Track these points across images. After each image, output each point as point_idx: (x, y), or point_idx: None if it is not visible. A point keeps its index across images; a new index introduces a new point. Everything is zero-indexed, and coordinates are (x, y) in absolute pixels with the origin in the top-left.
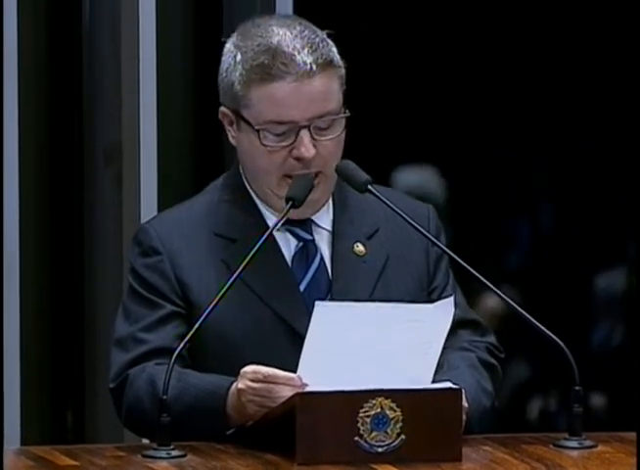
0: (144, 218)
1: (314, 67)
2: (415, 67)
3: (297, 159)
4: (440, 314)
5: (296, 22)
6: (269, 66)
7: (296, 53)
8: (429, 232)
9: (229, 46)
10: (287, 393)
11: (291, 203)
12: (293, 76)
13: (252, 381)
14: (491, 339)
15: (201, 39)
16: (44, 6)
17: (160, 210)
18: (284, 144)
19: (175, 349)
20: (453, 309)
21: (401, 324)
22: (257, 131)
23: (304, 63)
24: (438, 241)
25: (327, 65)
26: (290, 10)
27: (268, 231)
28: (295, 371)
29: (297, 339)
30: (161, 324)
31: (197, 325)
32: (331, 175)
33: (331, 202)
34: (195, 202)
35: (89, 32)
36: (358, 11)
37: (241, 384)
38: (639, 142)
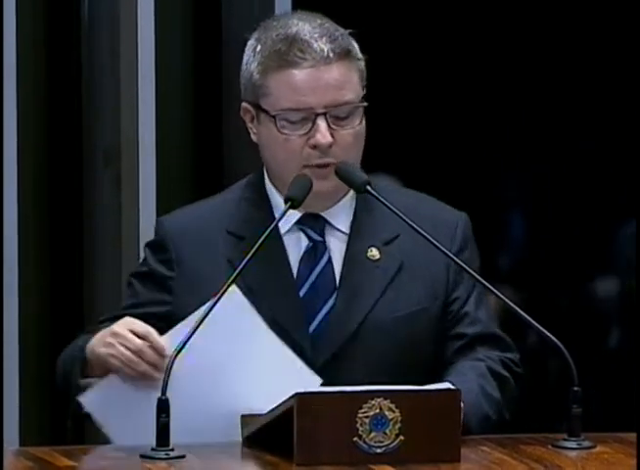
0: (143, 220)
1: (331, 54)
2: (413, 68)
3: (314, 146)
4: None
5: (317, 17)
6: (286, 52)
7: (313, 41)
8: (453, 241)
9: (250, 41)
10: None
11: (290, 203)
12: (309, 63)
13: (130, 331)
14: (510, 354)
15: (200, 40)
16: (43, 6)
17: (158, 211)
18: (301, 132)
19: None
20: None
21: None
22: (274, 117)
23: (322, 50)
24: (464, 251)
25: (345, 54)
26: (289, 10)
27: (267, 230)
28: None
29: (294, 343)
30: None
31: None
32: None
33: (354, 203)
34: (217, 198)
35: (88, 33)
36: (358, 13)
37: (117, 327)
38: (639, 142)
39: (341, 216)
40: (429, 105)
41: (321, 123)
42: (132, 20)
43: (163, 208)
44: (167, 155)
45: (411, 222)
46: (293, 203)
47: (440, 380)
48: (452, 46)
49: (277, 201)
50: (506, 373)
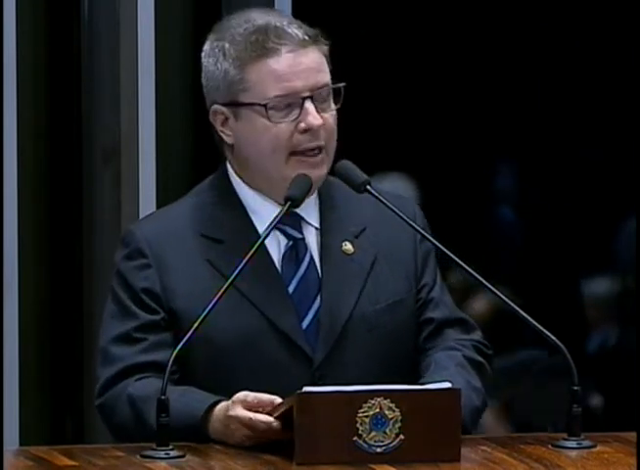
0: None
1: (306, 37)
2: (413, 67)
3: (305, 130)
4: None
5: (273, 9)
6: (264, 41)
7: (285, 27)
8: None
9: (208, 47)
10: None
11: (289, 203)
12: (288, 47)
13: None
14: (478, 336)
15: (199, 39)
16: (43, 6)
17: (158, 209)
18: (290, 119)
19: (154, 360)
20: None
21: None
22: (264, 106)
23: (296, 34)
24: (424, 240)
25: (316, 38)
26: (289, 11)
27: (267, 230)
28: (283, 373)
29: (286, 341)
30: (141, 334)
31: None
32: (332, 153)
33: (318, 199)
34: (181, 204)
35: (88, 32)
36: (358, 14)
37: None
38: (639, 145)
39: (311, 212)
40: (428, 105)
41: (309, 106)
42: (132, 20)
43: (163, 205)
44: (167, 153)
45: (408, 220)
46: (293, 203)
47: (419, 370)
48: (457, 47)
49: (249, 201)
50: (481, 359)
